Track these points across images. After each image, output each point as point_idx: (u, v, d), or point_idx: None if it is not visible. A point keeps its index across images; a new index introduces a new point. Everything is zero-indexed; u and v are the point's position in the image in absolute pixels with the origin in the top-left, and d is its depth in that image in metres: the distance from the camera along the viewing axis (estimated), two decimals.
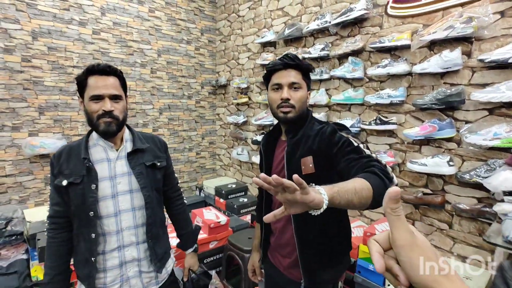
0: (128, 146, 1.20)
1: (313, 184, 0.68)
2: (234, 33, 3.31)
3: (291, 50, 2.59)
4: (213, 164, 3.79)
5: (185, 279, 1.41)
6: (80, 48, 2.62)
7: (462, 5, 1.66)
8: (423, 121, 1.85)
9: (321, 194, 0.65)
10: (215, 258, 2.35)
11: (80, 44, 2.62)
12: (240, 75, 3.27)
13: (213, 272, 1.57)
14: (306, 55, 2.39)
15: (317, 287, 1.13)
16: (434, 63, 1.71)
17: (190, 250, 1.43)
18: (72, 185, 1.08)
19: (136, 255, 1.17)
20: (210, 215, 2.41)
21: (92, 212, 1.08)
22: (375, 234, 1.75)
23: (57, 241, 1.14)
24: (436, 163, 1.74)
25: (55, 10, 2.47)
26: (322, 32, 2.40)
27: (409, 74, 1.90)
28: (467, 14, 1.61)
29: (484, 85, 1.60)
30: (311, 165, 1.03)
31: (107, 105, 1.07)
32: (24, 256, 2.19)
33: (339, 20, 2.15)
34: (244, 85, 3.09)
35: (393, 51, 1.97)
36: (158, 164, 1.23)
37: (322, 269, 1.12)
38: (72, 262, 1.18)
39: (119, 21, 2.82)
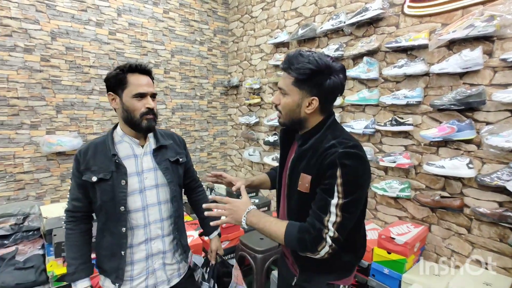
0: (152, 143, 1.24)
1: (252, 206, 1.01)
2: (246, 34, 3.32)
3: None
4: (224, 165, 3.79)
5: (213, 262, 1.44)
6: (96, 48, 2.67)
7: (483, 3, 1.62)
8: (440, 122, 1.81)
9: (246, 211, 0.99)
10: (226, 259, 2.34)
11: (97, 44, 2.67)
12: (253, 75, 3.27)
13: (234, 261, 1.59)
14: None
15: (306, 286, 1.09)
16: (454, 63, 1.67)
17: (215, 233, 1.47)
18: (101, 181, 1.11)
19: (162, 247, 1.21)
20: None
21: (123, 207, 1.11)
22: (390, 237, 1.72)
23: (76, 232, 1.18)
24: (455, 166, 1.69)
25: (73, 11, 2.53)
26: (336, 32, 2.38)
27: (426, 74, 1.86)
28: (488, 13, 1.57)
29: (506, 86, 1.55)
30: (307, 185, 0.98)
31: (151, 102, 1.13)
32: (40, 252, 2.23)
33: (354, 20, 2.13)
34: (257, 86, 3.09)
35: (410, 51, 1.93)
36: (180, 159, 1.29)
37: (317, 270, 1.06)
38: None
39: (134, 21, 2.87)
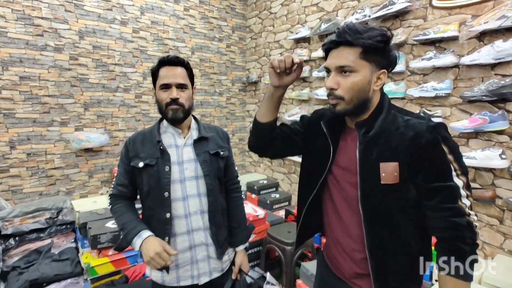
0: (194, 134, 1.25)
1: None
2: (265, 30, 3.34)
3: None
4: (243, 161, 3.83)
5: (233, 277, 1.30)
6: (121, 46, 2.73)
7: None
8: (470, 114, 1.81)
9: None
10: (252, 252, 2.39)
11: (121, 42, 2.72)
12: None
13: (267, 274, 1.52)
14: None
15: None
16: (486, 54, 1.67)
17: (242, 247, 1.35)
18: (147, 167, 1.15)
19: (204, 240, 1.22)
20: (247, 209, 2.44)
21: (167, 193, 1.15)
22: None
23: (123, 204, 1.20)
24: (487, 156, 1.70)
25: (100, 10, 2.58)
26: None
27: (456, 66, 1.86)
28: None
29: None
30: (395, 174, 0.82)
31: (174, 93, 1.14)
32: (73, 245, 2.31)
33: (380, 13, 2.14)
34: None
35: (438, 43, 1.94)
36: (222, 153, 1.27)
37: (399, 283, 0.89)
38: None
39: (156, 19, 2.91)
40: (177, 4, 3.04)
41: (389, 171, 0.82)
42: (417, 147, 0.80)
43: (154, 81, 1.19)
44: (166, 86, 1.15)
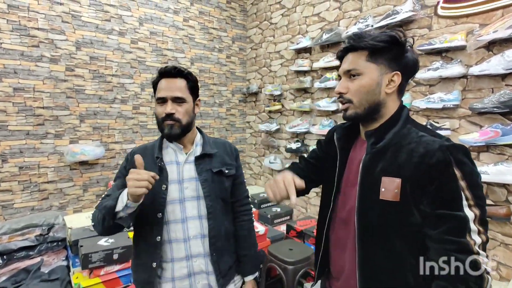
0: (197, 150, 1.16)
1: None
2: (265, 40, 3.30)
3: (329, 56, 2.53)
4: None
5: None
6: (119, 57, 2.68)
7: None
8: (481, 126, 1.73)
9: None
10: None
11: (119, 53, 2.68)
12: (272, 82, 3.24)
13: None
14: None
15: None
16: (496, 64, 1.60)
17: (250, 277, 1.23)
18: None
19: (204, 267, 1.11)
20: None
21: (160, 214, 1.06)
22: None
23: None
24: (500, 171, 1.60)
25: (97, 21, 2.54)
26: None
27: (464, 76, 1.79)
28: None
29: None
30: (396, 191, 0.76)
31: (168, 107, 1.06)
32: (64, 263, 2.20)
33: (383, 23, 2.08)
34: (278, 92, 3.05)
35: (445, 53, 1.87)
36: (226, 171, 1.16)
37: None
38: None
39: (155, 30, 2.88)
40: (176, 15, 3.01)
41: (390, 187, 0.77)
42: (426, 166, 0.73)
43: (154, 93, 1.13)
44: (162, 100, 1.07)
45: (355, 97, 0.84)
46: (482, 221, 0.70)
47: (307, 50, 2.80)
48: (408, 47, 0.84)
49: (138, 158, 0.95)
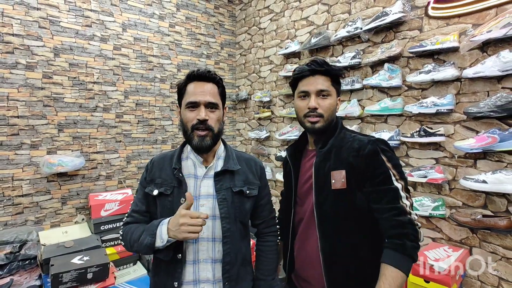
0: (218, 165, 1.05)
1: None
2: (255, 46, 3.22)
3: None
4: None
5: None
6: (101, 64, 2.58)
7: None
8: (477, 132, 1.63)
9: None
10: None
11: (101, 60, 2.58)
12: (262, 88, 3.14)
13: None
14: (336, 64, 2.23)
15: None
16: (491, 66, 1.51)
17: None
18: (161, 196, 1.00)
19: None
20: None
21: None
22: (426, 262, 1.51)
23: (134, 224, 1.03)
24: (499, 180, 1.49)
25: (77, 27, 2.45)
26: (352, 39, 2.25)
27: (458, 79, 1.69)
28: None
29: None
30: (343, 180, 0.97)
31: (202, 113, 0.97)
32: (37, 282, 2.04)
33: (372, 25, 2.00)
34: (267, 99, 2.95)
35: (437, 55, 1.78)
36: (247, 192, 1.05)
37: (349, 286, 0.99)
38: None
39: (139, 36, 2.79)
40: (162, 21, 2.92)
41: (338, 178, 0.98)
42: (362, 156, 0.97)
43: (180, 99, 1.03)
44: (194, 105, 0.98)
45: (326, 112, 1.04)
46: (407, 189, 0.95)
47: (296, 54, 2.71)
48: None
49: (189, 197, 0.89)
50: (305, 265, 1.08)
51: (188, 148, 1.08)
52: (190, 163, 1.05)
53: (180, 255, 0.97)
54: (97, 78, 2.57)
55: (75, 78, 2.46)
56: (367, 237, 0.99)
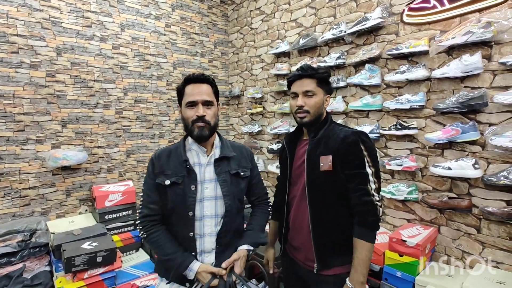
0: (217, 153, 1.24)
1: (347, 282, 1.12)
2: (247, 45, 3.39)
3: (306, 60, 2.65)
4: None
5: (222, 273, 1.13)
6: (101, 62, 2.70)
7: (479, 11, 1.70)
8: (444, 125, 1.86)
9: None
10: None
11: (101, 58, 2.70)
12: (254, 85, 3.32)
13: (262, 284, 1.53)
14: (322, 64, 2.43)
15: (328, 268, 1.22)
16: (454, 68, 1.74)
17: (244, 246, 1.20)
18: (173, 185, 1.16)
19: (215, 262, 1.19)
20: None
21: (191, 212, 1.15)
22: (401, 239, 1.74)
23: (162, 231, 1.19)
24: (461, 166, 1.73)
25: (78, 27, 2.57)
26: (337, 41, 2.45)
27: (428, 79, 1.92)
28: (485, 19, 1.64)
29: (506, 88, 1.61)
30: (329, 163, 1.17)
31: (200, 110, 1.14)
32: (47, 268, 2.20)
33: (354, 29, 2.20)
34: (259, 95, 3.14)
35: (411, 57, 2.00)
36: (242, 173, 1.26)
37: (334, 254, 1.22)
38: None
39: (137, 36, 2.92)
40: (158, 21, 3.06)
41: (325, 161, 1.18)
42: (345, 144, 1.17)
43: (180, 100, 1.21)
44: (193, 104, 1.16)
45: (311, 109, 1.24)
46: (376, 175, 1.16)
47: (286, 54, 2.90)
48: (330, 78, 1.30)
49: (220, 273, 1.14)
50: (297, 235, 1.31)
51: (189, 141, 1.25)
52: (194, 153, 1.23)
53: (192, 233, 1.17)
54: (98, 76, 2.70)
55: (76, 76, 2.58)
56: (346, 209, 1.20)
